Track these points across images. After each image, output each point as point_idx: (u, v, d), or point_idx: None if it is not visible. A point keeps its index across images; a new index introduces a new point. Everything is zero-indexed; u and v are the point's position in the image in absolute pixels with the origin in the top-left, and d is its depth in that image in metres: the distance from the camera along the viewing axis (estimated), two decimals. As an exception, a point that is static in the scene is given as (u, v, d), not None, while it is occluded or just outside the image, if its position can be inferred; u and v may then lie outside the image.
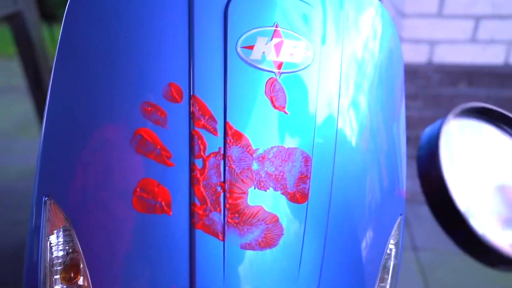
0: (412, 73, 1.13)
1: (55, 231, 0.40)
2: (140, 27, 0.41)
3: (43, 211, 0.40)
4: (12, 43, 1.55)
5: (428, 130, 0.46)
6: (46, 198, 0.40)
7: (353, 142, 0.44)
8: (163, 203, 0.38)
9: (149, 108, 0.39)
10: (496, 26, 1.06)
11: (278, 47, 0.41)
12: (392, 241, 0.47)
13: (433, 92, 1.16)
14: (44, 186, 0.41)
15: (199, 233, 0.38)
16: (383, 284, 0.47)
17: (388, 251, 0.47)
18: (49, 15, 1.77)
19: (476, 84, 1.13)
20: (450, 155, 0.44)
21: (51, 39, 1.70)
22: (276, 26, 0.41)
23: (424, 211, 1.34)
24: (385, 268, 0.47)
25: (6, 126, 2.32)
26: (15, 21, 1.47)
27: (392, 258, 0.47)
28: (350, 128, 0.44)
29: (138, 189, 0.39)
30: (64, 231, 0.40)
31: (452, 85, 1.13)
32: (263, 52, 0.40)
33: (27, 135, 2.19)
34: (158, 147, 0.39)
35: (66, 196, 0.40)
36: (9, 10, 1.39)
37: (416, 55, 1.09)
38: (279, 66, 0.40)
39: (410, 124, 1.25)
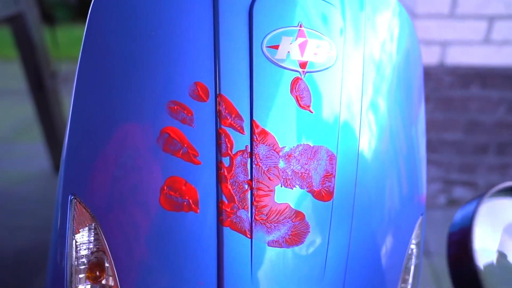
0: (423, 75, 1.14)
1: (81, 229, 0.40)
2: (165, 27, 0.41)
3: (69, 210, 0.40)
4: (12, 45, 1.54)
5: (460, 213, 0.42)
6: (72, 197, 0.40)
7: (375, 143, 0.44)
8: (190, 201, 0.39)
9: (175, 107, 0.39)
10: (510, 26, 1.05)
11: (302, 47, 0.41)
12: (413, 241, 0.48)
13: (445, 94, 1.15)
14: (70, 185, 0.41)
15: (226, 230, 0.38)
16: (404, 285, 0.47)
17: (410, 251, 0.47)
18: (48, 16, 1.76)
19: (489, 87, 1.13)
20: (484, 239, 0.40)
21: (51, 40, 1.69)
22: (301, 26, 0.41)
23: (437, 215, 1.34)
24: (406, 269, 0.47)
25: (6, 130, 2.30)
26: (16, 23, 1.46)
27: (414, 258, 0.48)
28: (371, 129, 0.44)
29: (165, 187, 0.39)
30: (89, 229, 0.40)
31: (464, 87, 1.13)
32: (288, 52, 0.41)
33: (27, 139, 2.17)
34: (185, 145, 0.39)
35: (92, 195, 0.40)
36: (10, 11, 1.39)
37: (428, 57, 1.09)
38: (304, 65, 0.41)
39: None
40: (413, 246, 0.48)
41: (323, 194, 0.41)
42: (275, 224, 0.39)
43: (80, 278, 0.41)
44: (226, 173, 0.39)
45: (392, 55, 0.47)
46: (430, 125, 1.22)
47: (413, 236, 0.48)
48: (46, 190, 1.68)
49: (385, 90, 0.46)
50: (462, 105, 1.17)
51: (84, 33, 0.42)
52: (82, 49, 0.42)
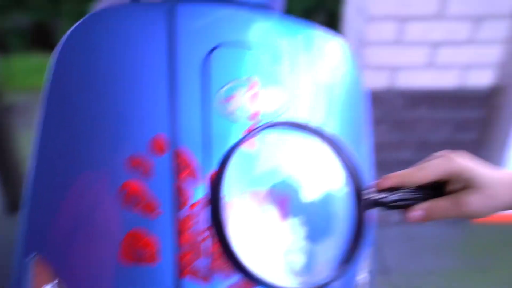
0: (375, 98, 1.21)
1: (43, 287, 0.41)
2: (124, 80, 0.43)
3: (30, 267, 0.40)
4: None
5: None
6: (33, 254, 0.41)
7: None
8: (151, 252, 0.40)
9: (134, 160, 0.41)
10: (450, 51, 1.17)
11: (254, 98, 0.45)
12: (362, 276, 0.50)
13: (397, 116, 1.25)
14: (30, 242, 0.41)
15: (187, 278, 0.40)
16: None
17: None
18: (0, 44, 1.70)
19: (435, 107, 1.25)
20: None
21: (6, 70, 1.63)
22: (252, 78, 0.45)
23: (393, 232, 1.39)
24: None
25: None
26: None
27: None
28: None
29: (125, 241, 0.40)
30: (52, 286, 0.41)
31: (414, 108, 1.24)
32: (241, 104, 0.44)
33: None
34: (145, 198, 0.41)
35: (53, 252, 0.40)
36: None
37: (379, 81, 1.18)
38: (256, 115, 0.44)
39: (375, 148, 1.33)
40: (362, 277, 0.51)
41: None
42: None
43: None
44: (185, 223, 0.41)
45: (335, 87, 0.52)
46: (385, 146, 1.30)
47: (360, 272, 0.50)
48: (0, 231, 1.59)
49: (331, 120, 0.50)
50: (413, 125, 1.26)
51: (48, 84, 0.44)
52: (47, 98, 0.43)
